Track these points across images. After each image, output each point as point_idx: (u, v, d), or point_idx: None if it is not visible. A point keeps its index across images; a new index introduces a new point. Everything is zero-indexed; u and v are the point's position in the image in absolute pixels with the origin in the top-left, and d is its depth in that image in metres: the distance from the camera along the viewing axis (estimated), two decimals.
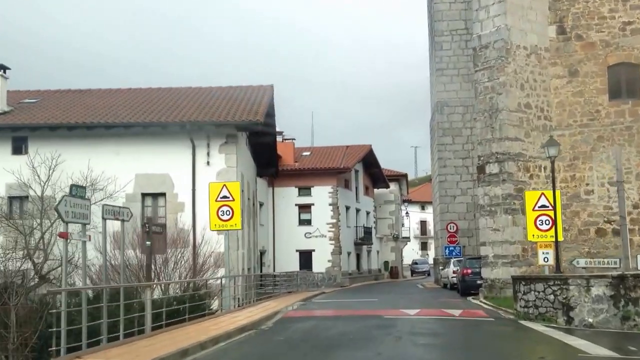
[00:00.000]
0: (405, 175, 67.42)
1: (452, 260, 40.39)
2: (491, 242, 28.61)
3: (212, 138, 28.49)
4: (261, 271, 50.50)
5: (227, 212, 23.20)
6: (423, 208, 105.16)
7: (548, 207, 22.41)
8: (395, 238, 65.98)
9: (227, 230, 23.56)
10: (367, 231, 58.99)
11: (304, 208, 52.92)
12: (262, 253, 51.12)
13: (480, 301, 27.72)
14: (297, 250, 52.43)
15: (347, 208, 55.41)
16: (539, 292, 20.04)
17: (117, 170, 27.69)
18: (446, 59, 45.93)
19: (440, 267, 43.85)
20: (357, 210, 58.35)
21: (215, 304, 25.54)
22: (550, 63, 30.00)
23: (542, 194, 22.73)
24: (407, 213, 77.56)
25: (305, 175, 52.63)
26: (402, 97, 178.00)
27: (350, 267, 55.57)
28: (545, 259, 22.64)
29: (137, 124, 28.30)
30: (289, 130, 65.76)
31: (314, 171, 52.33)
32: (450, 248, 44.47)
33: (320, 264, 51.85)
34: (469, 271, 32.18)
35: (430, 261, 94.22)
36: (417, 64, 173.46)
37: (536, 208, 22.45)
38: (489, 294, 28.32)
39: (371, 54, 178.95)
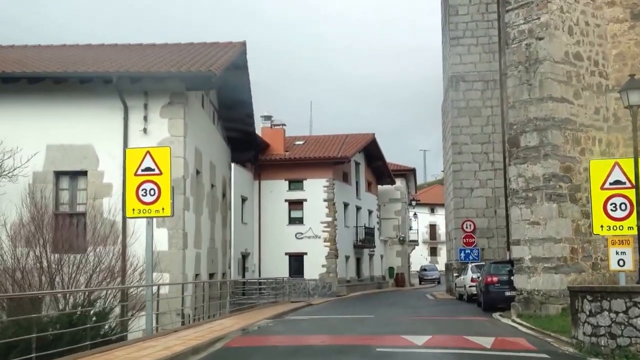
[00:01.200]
0: (413, 171, 59.63)
1: (469, 266, 32.77)
2: (528, 240, 20.99)
3: (152, 98, 20.94)
4: (244, 276, 43.18)
5: (151, 192, 15.75)
6: (433, 211, 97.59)
7: (625, 184, 14.86)
8: (402, 241, 58.29)
9: (151, 217, 16.06)
10: (369, 232, 51.33)
11: (295, 204, 45.41)
12: (244, 256, 43.63)
13: (514, 320, 20.11)
14: (286, 254, 44.92)
15: (346, 205, 47.82)
16: (617, 312, 12.60)
17: (21, 139, 20.25)
18: (462, 26, 38.33)
19: (455, 274, 36.24)
20: (358, 209, 50.74)
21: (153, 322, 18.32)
22: (606, 2, 22.39)
23: (616, 163, 15.13)
24: (415, 214, 69.90)
25: (296, 166, 45.12)
26: (412, 102, 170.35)
27: (349, 273, 47.94)
28: (621, 262, 15.04)
29: (44, 74, 20.76)
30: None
31: (307, 161, 44.83)
32: (467, 251, 36.84)
33: (313, 269, 44.34)
34: (495, 279, 24.55)
35: (441, 267, 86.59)
36: (427, 68, 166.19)
37: (607, 186, 14.91)
38: (524, 311, 20.69)
39: (380, 58, 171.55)
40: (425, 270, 69.46)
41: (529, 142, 21.20)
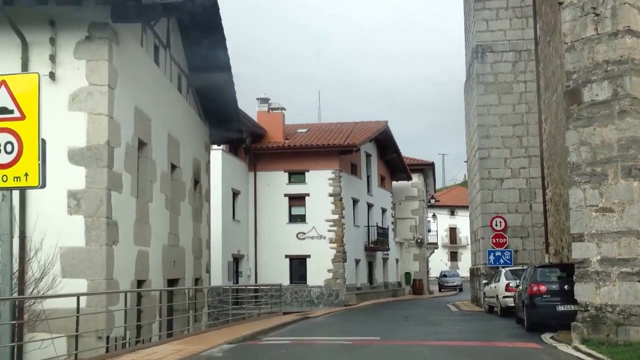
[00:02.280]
0: (432, 165, 53.06)
1: (502, 271, 26.38)
2: (596, 235, 14.57)
3: (62, 30, 14.79)
4: (236, 282, 37.06)
5: (7, 147, 9.60)
6: (453, 213, 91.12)
7: None
8: (420, 243, 51.81)
9: (6, 189, 9.87)
10: (383, 233, 44.95)
11: (297, 200, 39.18)
12: (236, 259, 37.50)
13: (577, 349, 13.75)
14: (286, 256, 38.73)
15: (355, 201, 41.52)
16: None
17: None
18: None
19: (483, 281, 29.75)
20: (369, 206, 44.41)
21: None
22: None
23: None
24: (434, 215, 63.33)
25: (297, 156, 38.90)
26: (432, 108, 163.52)
27: (360, 279, 41.58)
28: None
29: None
30: None
31: (309, 150, 38.58)
32: (497, 253, 30.46)
33: (318, 274, 38.10)
34: (543, 289, 18.09)
35: (463, 273, 79.87)
36: (446, 74, 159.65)
37: None
38: (592, 335, 14.28)
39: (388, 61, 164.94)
40: (445, 276, 62.81)
41: (596, 96, 14.80)
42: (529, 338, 16.62)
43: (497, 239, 30.67)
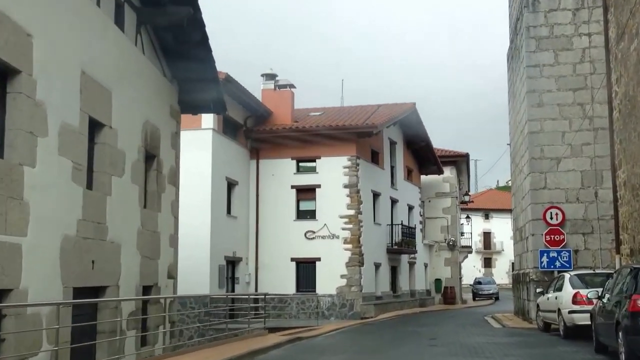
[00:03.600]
0: (466, 157, 45.50)
1: (566, 277, 19.21)
2: None
3: None
4: (232, 290, 30.55)
5: None
6: (487, 217, 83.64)
7: None
8: (452, 246, 44.55)
9: None
10: (409, 233, 37.87)
11: (306, 192, 32.46)
12: (232, 263, 30.90)
13: None
14: (293, 259, 32.03)
15: (376, 195, 34.58)
16: None
17: None
18: None
19: (537, 290, 22.44)
20: (394, 202, 37.44)
21: None
22: None
23: None
24: (467, 217, 56.09)
25: (308, 141, 32.21)
26: (464, 119, 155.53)
27: (380, 287, 34.57)
28: None
29: None
30: None
31: (322, 133, 31.81)
32: (551, 254, 23.34)
33: (329, 280, 31.33)
34: None
35: (500, 280, 72.15)
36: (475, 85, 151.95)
37: None
38: None
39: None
40: (479, 283, 55.27)
41: None
42: None
43: (552, 236, 23.51)
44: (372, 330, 24.63)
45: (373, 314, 31.31)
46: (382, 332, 23.28)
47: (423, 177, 43.55)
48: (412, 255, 39.71)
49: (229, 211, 30.67)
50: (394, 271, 37.16)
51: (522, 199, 26.23)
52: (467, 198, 46.69)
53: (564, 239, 23.41)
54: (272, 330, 26.68)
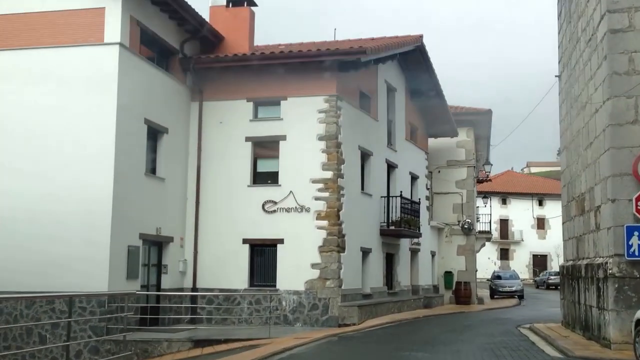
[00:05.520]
0: (489, 115, 34.91)
1: None
2: None
3: None
4: (158, 283, 21.35)
5: None
6: (504, 202, 73.68)
7: None
8: (467, 230, 34.68)
9: None
10: (412, 210, 28.05)
11: (266, 147, 23.07)
12: (160, 244, 21.50)
13: None
14: (245, 241, 22.45)
15: (366, 156, 24.99)
16: None
17: None
18: None
19: (619, 293, 12.71)
20: (391, 167, 27.81)
21: None
22: None
23: None
24: (485, 196, 46.33)
25: (270, 74, 22.65)
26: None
27: (370, 281, 24.96)
28: None
29: None
30: None
31: (290, 62, 22.21)
32: None
33: (296, 271, 21.93)
34: None
35: (519, 274, 61.99)
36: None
37: None
38: None
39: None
40: (499, 277, 45.23)
41: None
42: None
43: None
44: (345, 351, 15.21)
45: (357, 319, 21.73)
46: (360, 356, 13.83)
47: (432, 140, 33.80)
48: (416, 240, 30.04)
49: (152, 170, 21.23)
50: (389, 260, 27.49)
51: (589, 146, 16.39)
52: (488, 169, 36.71)
53: None
54: (202, 343, 17.80)
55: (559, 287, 56.29)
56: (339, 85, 22.41)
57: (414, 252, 30.42)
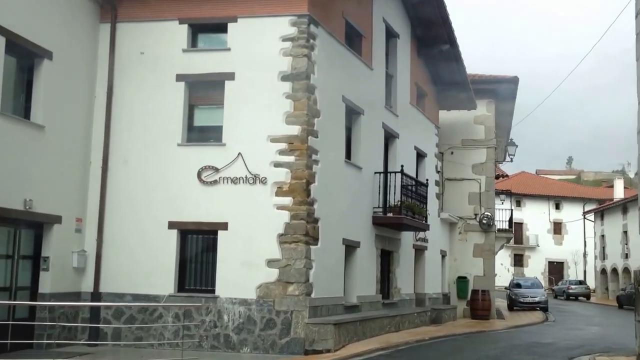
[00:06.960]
0: (514, 83, 26.96)
1: None
2: None
3: None
4: (34, 284, 13.75)
5: None
6: (519, 204, 66.28)
7: None
8: (487, 226, 27.15)
9: None
10: (418, 194, 20.54)
11: (206, 89, 15.59)
12: (39, 226, 13.86)
13: None
14: (172, 225, 14.99)
15: (354, 114, 17.55)
16: None
17: None
18: None
19: None
20: (390, 136, 20.34)
21: None
22: None
23: None
24: (503, 192, 38.93)
25: None
26: None
27: (357, 287, 17.46)
28: None
29: None
30: None
31: None
32: None
33: (244, 271, 14.39)
34: None
35: (543, 284, 54.44)
36: None
37: None
38: None
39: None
40: (519, 286, 37.55)
41: None
42: None
43: None
44: None
45: (332, 343, 14.28)
46: None
47: (444, 113, 26.36)
48: (421, 235, 22.61)
49: (25, 115, 13.92)
50: (385, 260, 19.99)
51: None
52: (512, 151, 29.02)
53: None
54: None
55: (580, 298, 49.74)
56: (311, 4, 15.07)
57: (419, 251, 22.97)
